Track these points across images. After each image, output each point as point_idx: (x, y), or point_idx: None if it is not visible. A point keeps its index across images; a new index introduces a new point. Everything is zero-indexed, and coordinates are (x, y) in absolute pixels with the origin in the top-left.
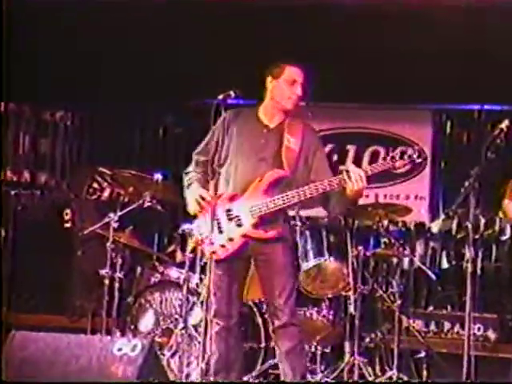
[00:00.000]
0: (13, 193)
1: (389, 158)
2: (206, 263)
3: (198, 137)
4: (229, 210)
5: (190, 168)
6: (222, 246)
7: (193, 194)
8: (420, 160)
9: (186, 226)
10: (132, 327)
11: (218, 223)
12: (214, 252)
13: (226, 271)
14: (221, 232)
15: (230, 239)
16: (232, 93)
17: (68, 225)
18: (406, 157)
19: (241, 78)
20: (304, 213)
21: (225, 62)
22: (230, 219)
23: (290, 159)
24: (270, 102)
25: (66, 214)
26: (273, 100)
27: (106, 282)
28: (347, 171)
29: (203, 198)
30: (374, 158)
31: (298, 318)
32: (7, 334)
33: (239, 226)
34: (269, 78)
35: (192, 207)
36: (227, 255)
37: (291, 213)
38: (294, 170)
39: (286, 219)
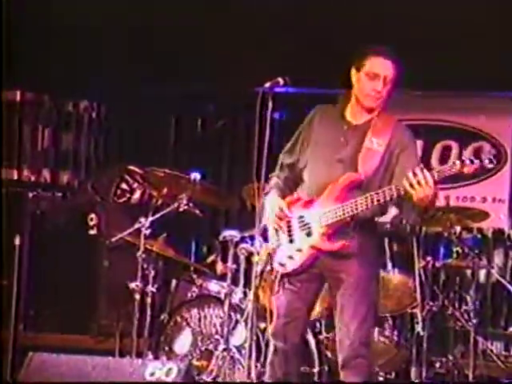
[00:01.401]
0: (31, 195)
1: (458, 162)
2: (259, 276)
3: (241, 130)
4: (301, 217)
5: (275, 173)
6: (290, 257)
7: (270, 205)
8: (492, 165)
9: (227, 233)
10: (166, 348)
11: (290, 231)
12: (282, 264)
13: (292, 287)
14: (291, 241)
15: (299, 250)
16: (280, 80)
17: (93, 231)
18: (477, 161)
19: (291, 64)
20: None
21: (272, 46)
22: (302, 227)
23: (368, 161)
24: (353, 97)
25: (91, 220)
26: (355, 95)
27: (137, 296)
28: (414, 173)
29: (281, 210)
30: (445, 153)
31: (368, 350)
32: (24, 356)
33: (308, 235)
34: (352, 70)
35: (271, 221)
36: (295, 268)
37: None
38: (372, 174)
39: (363, 229)
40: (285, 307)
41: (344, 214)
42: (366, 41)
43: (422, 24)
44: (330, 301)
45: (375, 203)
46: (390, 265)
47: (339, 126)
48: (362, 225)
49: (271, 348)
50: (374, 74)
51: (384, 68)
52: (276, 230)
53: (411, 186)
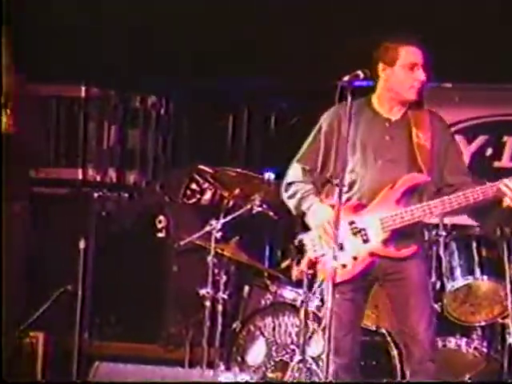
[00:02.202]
0: (96, 195)
1: None
2: (320, 286)
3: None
4: (352, 223)
5: (295, 178)
6: (344, 265)
7: (314, 211)
8: None
9: (304, 237)
10: (239, 359)
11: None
12: (344, 265)
13: (345, 296)
14: (342, 249)
15: (354, 258)
16: (360, 73)
17: (161, 234)
18: None
19: (369, 57)
20: (449, 220)
21: (349, 37)
22: (355, 234)
23: (425, 158)
24: (387, 93)
25: (160, 222)
26: (391, 91)
27: (207, 303)
28: (506, 185)
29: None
30: None
31: (436, 353)
32: (90, 366)
33: (365, 241)
34: (380, 65)
35: (316, 228)
36: (349, 277)
37: (433, 220)
38: (430, 172)
39: (422, 231)
40: (339, 319)
41: (413, 218)
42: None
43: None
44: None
45: (455, 207)
46: (478, 271)
47: (379, 125)
48: (420, 227)
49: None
50: (412, 64)
51: (419, 56)
52: (320, 237)
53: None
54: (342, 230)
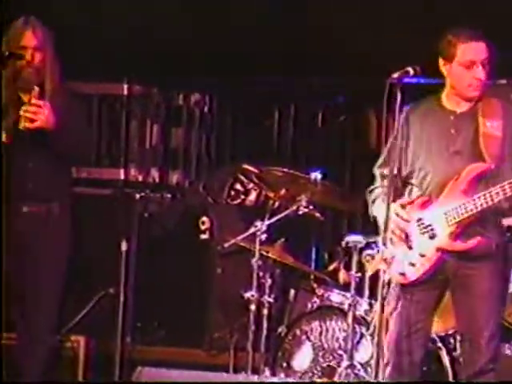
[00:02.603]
0: (138, 196)
1: None
2: (386, 287)
3: (366, 125)
4: (420, 220)
5: (375, 184)
6: (412, 264)
7: (382, 211)
8: None
9: (351, 238)
10: (284, 364)
11: (407, 236)
12: (402, 274)
13: (414, 297)
14: (410, 248)
15: (422, 255)
16: (410, 70)
17: (205, 236)
18: None
19: (421, 51)
20: None
21: (399, 31)
22: (422, 230)
23: (492, 148)
24: (451, 89)
25: (203, 223)
26: (452, 87)
27: (252, 307)
28: None
29: (396, 214)
30: None
31: (498, 363)
32: (132, 371)
33: (432, 237)
34: (440, 61)
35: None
36: (419, 277)
37: (505, 222)
38: (499, 161)
39: (496, 226)
40: (405, 319)
41: (476, 208)
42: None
43: None
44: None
45: None
46: None
47: (444, 118)
48: (493, 221)
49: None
50: (470, 62)
51: (479, 52)
52: (390, 237)
53: None
54: (411, 228)
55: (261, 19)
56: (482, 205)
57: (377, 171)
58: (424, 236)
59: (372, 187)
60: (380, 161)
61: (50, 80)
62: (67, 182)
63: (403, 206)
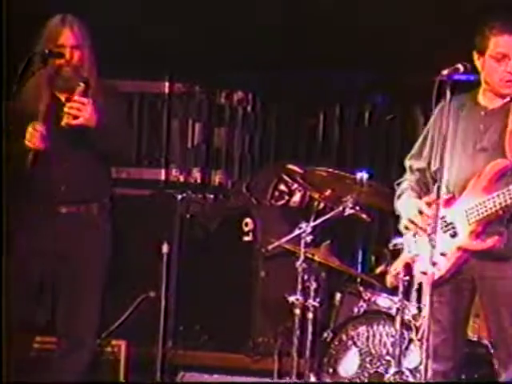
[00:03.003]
0: (179, 197)
1: None
2: (418, 289)
3: (414, 124)
4: (442, 218)
5: (404, 177)
6: (434, 263)
7: (405, 208)
8: None
9: (399, 241)
10: (330, 370)
11: (430, 235)
12: (424, 273)
13: (444, 298)
14: (433, 246)
15: (443, 254)
16: (460, 66)
17: (248, 238)
18: None
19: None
20: None
21: (448, 27)
22: (444, 229)
23: None
24: (484, 84)
25: (246, 225)
26: (486, 83)
27: (297, 311)
28: None
29: (420, 212)
30: None
31: None
32: (174, 376)
33: (453, 236)
34: (475, 54)
35: (408, 224)
36: (441, 276)
37: None
38: None
39: None
40: (437, 323)
41: (495, 206)
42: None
43: None
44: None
45: None
46: None
47: (475, 113)
48: None
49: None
50: (501, 55)
51: (511, 45)
52: (414, 236)
53: None
54: (433, 226)
55: (307, 17)
56: (500, 203)
57: (407, 163)
58: (446, 234)
59: (399, 180)
60: (412, 152)
61: (89, 78)
62: (106, 182)
63: (429, 204)
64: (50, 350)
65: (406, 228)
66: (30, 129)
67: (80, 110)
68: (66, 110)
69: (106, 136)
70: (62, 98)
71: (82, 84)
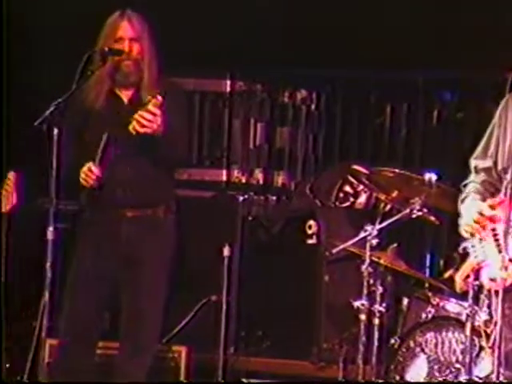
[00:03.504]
0: (241, 199)
1: None
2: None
3: (486, 123)
4: (509, 221)
5: (469, 178)
6: (503, 269)
7: (468, 211)
8: None
9: (468, 244)
10: (397, 378)
11: (497, 239)
12: (493, 280)
13: None
14: (500, 251)
15: (511, 260)
16: None
17: (312, 241)
18: None
19: None
20: None
21: None
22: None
23: None
24: None
25: (310, 227)
26: None
27: (363, 317)
28: None
29: (482, 215)
30: None
31: None
32: (235, 382)
33: None
34: None
35: (466, 227)
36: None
37: None
38: None
39: None
40: (510, 329)
41: None
42: None
43: None
44: None
45: None
46: None
47: None
48: None
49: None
50: None
51: None
52: (480, 240)
53: None
54: (499, 230)
55: (373, 15)
56: None
57: (472, 163)
58: None
59: (465, 182)
60: (477, 151)
61: (149, 72)
62: (170, 184)
63: (492, 207)
64: (113, 354)
65: (468, 232)
66: (85, 169)
67: (150, 122)
68: (136, 117)
69: (170, 141)
70: (123, 96)
71: (159, 98)
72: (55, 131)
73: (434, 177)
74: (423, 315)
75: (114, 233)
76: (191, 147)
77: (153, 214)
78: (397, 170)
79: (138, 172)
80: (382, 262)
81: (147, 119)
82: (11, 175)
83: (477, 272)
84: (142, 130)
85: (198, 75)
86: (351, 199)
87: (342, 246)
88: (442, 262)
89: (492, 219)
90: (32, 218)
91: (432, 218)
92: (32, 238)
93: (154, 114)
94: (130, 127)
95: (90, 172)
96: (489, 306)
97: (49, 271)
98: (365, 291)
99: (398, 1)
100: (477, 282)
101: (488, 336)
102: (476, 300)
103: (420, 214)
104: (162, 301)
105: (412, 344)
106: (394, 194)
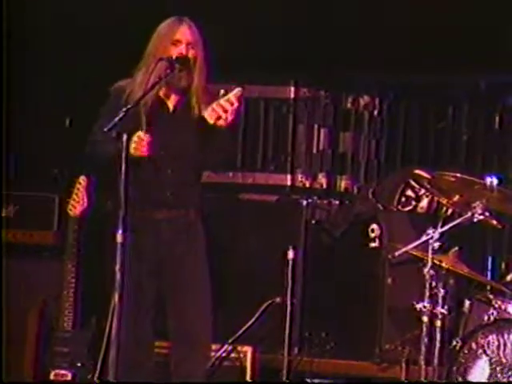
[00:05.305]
0: (305, 203)
1: None
2: None
3: None
4: None
5: None
6: None
7: None
8: None
9: None
10: (459, 379)
11: None
12: None
13: None
14: None
15: None
16: None
17: (374, 244)
18: None
19: None
20: None
21: None
22: None
23: None
24: None
25: (372, 231)
26: None
27: (425, 319)
28: None
29: None
30: None
31: None
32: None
33: None
34: None
35: None
36: None
37: None
38: None
39: None
40: None
41: None
42: None
43: None
44: None
45: None
46: None
47: None
48: None
49: None
50: None
51: None
52: None
53: None
54: None
55: (436, 18)
56: None
57: None
58: None
59: None
60: None
61: (198, 78)
62: (199, 187)
63: None
64: (167, 354)
65: None
66: (135, 138)
67: (226, 112)
68: (214, 106)
69: (221, 142)
70: (168, 101)
71: (240, 89)
72: (124, 137)
73: (495, 181)
74: (485, 317)
75: (151, 234)
76: (234, 150)
77: (185, 215)
78: (458, 175)
79: (177, 174)
80: (443, 264)
81: (225, 109)
82: (82, 179)
83: None
84: (216, 122)
85: (262, 82)
86: (413, 203)
87: (404, 249)
88: (503, 265)
89: None
90: (101, 221)
91: (493, 222)
92: (101, 240)
93: (231, 103)
94: (207, 115)
95: (140, 140)
96: None
97: (118, 274)
98: (427, 293)
99: (460, 4)
100: None
101: None
102: None
103: (481, 217)
104: (204, 300)
105: (474, 346)
106: (456, 198)
